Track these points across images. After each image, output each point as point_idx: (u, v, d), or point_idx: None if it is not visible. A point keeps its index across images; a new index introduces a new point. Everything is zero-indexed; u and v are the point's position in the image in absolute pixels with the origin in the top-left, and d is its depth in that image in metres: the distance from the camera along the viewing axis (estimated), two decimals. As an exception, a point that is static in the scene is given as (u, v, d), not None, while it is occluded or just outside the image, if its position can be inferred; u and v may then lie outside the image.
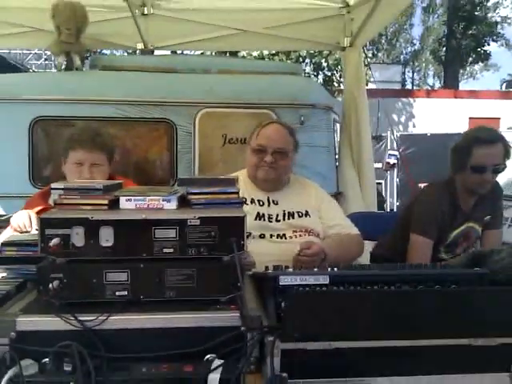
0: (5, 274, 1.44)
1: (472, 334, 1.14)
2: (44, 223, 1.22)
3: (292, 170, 2.32)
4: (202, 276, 1.28)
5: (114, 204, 1.36)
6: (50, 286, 1.21)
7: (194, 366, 1.15)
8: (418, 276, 1.25)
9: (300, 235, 2.13)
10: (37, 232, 1.25)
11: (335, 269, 1.30)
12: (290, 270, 1.39)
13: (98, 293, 1.25)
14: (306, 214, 2.19)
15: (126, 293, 1.26)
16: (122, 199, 1.37)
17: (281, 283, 1.17)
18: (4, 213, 2.84)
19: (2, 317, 1.18)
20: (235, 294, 1.26)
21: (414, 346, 1.15)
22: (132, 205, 1.37)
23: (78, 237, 1.23)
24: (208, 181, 1.55)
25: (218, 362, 1.14)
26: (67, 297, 1.23)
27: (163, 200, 1.37)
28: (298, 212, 2.18)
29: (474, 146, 2.30)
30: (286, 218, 2.17)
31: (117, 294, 1.25)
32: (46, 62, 16.56)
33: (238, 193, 1.44)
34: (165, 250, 1.27)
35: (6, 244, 1.47)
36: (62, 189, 1.37)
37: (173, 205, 1.38)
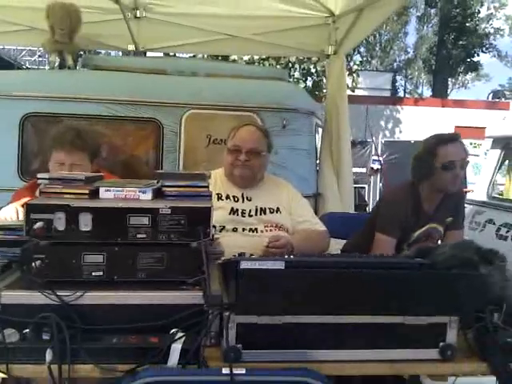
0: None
1: (404, 314, 1.30)
2: (29, 208, 1.36)
3: (266, 169, 2.47)
4: (171, 260, 1.43)
5: (94, 194, 1.50)
6: (33, 265, 1.36)
7: (160, 337, 1.29)
8: (363, 263, 1.40)
9: (271, 230, 2.28)
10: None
11: (291, 256, 1.45)
12: (254, 257, 1.54)
13: (76, 272, 1.39)
14: (277, 210, 2.34)
15: (101, 273, 1.40)
16: (102, 189, 1.51)
17: (241, 267, 1.31)
18: (-8, 205, 2.95)
19: (-12, 291, 1.32)
20: (200, 277, 1.41)
21: (353, 322, 1.31)
22: (111, 195, 1.51)
23: (59, 221, 1.37)
24: (181, 175, 1.69)
25: (180, 334, 1.29)
26: (48, 275, 1.37)
27: (139, 191, 1.52)
28: (269, 208, 2.34)
29: (438, 147, 2.44)
30: (259, 213, 2.32)
31: (93, 274, 1.40)
32: (40, 59, 16.63)
33: (207, 186, 1.59)
34: (138, 236, 1.41)
35: (-6, 228, 1.61)
36: (48, 179, 1.51)
37: (148, 196, 1.52)
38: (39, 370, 1.24)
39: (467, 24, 22.38)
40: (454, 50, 22.30)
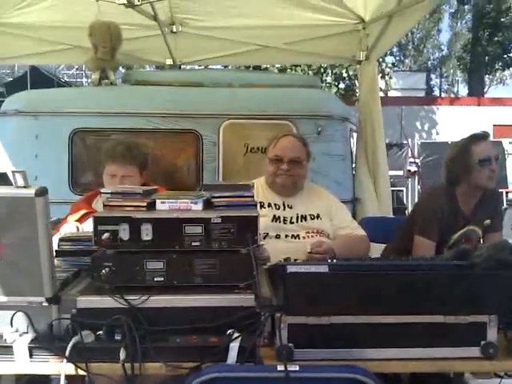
0: (61, 265, 1.72)
1: (445, 313, 1.38)
2: (97, 221, 1.51)
3: (306, 177, 2.57)
4: (224, 265, 1.55)
5: (151, 206, 1.64)
6: (102, 272, 1.50)
7: (218, 337, 1.41)
8: (404, 266, 1.48)
9: (312, 236, 2.38)
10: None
11: (334, 260, 1.55)
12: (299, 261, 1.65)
13: (140, 278, 1.53)
14: (318, 216, 2.43)
15: (162, 278, 1.54)
16: (158, 202, 1.65)
17: (288, 271, 1.41)
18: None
19: (65, 297, 1.48)
20: (251, 281, 1.52)
21: (396, 322, 1.40)
22: (166, 206, 1.64)
23: (124, 232, 1.51)
24: (228, 186, 1.82)
25: (237, 334, 1.41)
26: (115, 281, 1.51)
27: (191, 202, 1.65)
28: (310, 215, 2.43)
29: (472, 145, 2.53)
30: (300, 220, 2.41)
31: (155, 279, 1.53)
32: (77, 72, 17.27)
33: (252, 196, 1.71)
34: (193, 244, 1.54)
35: (63, 239, 1.78)
36: (110, 193, 1.66)
37: (199, 206, 1.65)
38: (113, 368, 1.38)
39: (502, 19, 21.83)
40: (489, 47, 21.80)
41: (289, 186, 2.45)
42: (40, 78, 11.47)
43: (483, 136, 2.57)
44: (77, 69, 17.08)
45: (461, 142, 2.61)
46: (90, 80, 4.15)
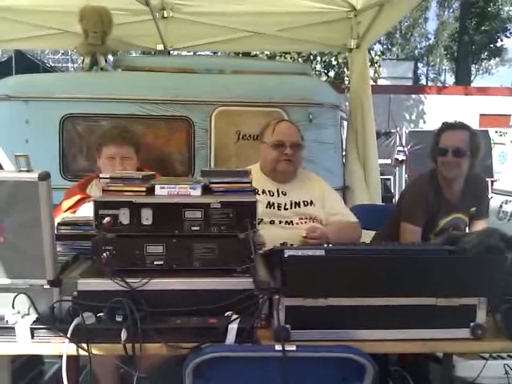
0: (60, 249, 1.74)
1: (437, 296, 1.44)
2: (98, 205, 1.53)
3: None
4: (223, 249, 1.58)
5: (150, 191, 1.66)
6: (103, 255, 1.52)
7: (217, 318, 1.45)
8: (397, 250, 1.53)
9: (305, 222, 2.42)
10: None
11: (330, 245, 1.60)
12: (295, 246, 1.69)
13: (140, 262, 1.56)
14: (311, 203, 2.48)
15: (162, 262, 1.57)
16: (157, 187, 1.67)
17: (285, 255, 1.45)
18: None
19: (66, 280, 1.50)
20: (249, 265, 1.56)
21: (390, 304, 1.45)
22: (165, 191, 1.67)
23: (124, 216, 1.54)
24: (226, 173, 1.84)
25: (235, 316, 1.44)
26: (116, 265, 1.53)
27: (190, 188, 1.67)
28: (303, 201, 2.47)
29: (441, 133, 2.60)
30: (293, 206, 2.45)
31: (155, 263, 1.56)
32: (63, 57, 17.02)
33: (250, 182, 1.74)
34: (193, 228, 1.57)
35: (62, 224, 1.79)
36: (109, 178, 1.68)
37: (198, 192, 1.67)
38: (114, 348, 1.41)
39: (489, 9, 21.93)
40: (476, 36, 21.93)
41: (291, 172, 2.49)
42: (25, 63, 11.28)
43: (451, 126, 2.61)
44: (62, 54, 16.82)
45: (437, 129, 2.68)
46: (77, 65, 4.13)
